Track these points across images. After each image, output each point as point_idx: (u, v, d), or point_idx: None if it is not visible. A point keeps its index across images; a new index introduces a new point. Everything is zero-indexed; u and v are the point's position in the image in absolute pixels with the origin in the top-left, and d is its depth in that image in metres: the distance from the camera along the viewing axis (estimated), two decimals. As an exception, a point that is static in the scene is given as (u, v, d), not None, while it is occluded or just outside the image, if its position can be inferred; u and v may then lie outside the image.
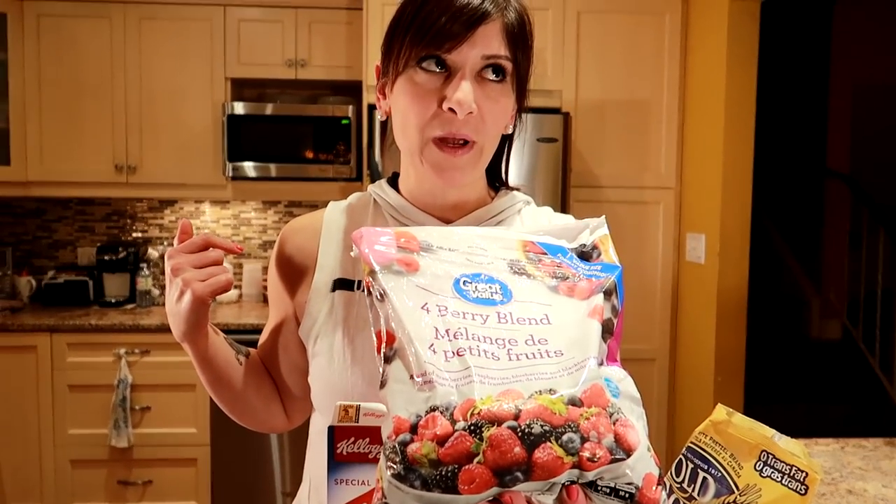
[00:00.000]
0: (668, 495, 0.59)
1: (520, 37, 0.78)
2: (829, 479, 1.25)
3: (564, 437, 0.49)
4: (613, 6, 2.89)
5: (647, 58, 2.92)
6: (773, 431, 0.58)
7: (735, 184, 2.71)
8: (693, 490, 0.56)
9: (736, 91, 2.68)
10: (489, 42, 0.74)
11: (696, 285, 2.89)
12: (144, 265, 3.20)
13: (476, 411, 0.49)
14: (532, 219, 0.88)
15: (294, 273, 0.88)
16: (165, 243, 3.41)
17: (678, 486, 0.58)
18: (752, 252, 2.77)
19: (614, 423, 0.51)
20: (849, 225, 4.44)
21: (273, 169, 3.04)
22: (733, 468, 0.54)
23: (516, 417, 0.49)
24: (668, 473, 0.61)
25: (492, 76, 0.76)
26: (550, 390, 0.51)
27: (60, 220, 3.39)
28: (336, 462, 0.62)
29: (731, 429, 0.55)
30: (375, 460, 0.60)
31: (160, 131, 3.07)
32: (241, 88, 3.27)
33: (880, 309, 4.00)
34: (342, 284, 0.84)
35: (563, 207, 2.75)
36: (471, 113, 0.74)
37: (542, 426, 0.49)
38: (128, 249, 3.25)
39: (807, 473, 0.51)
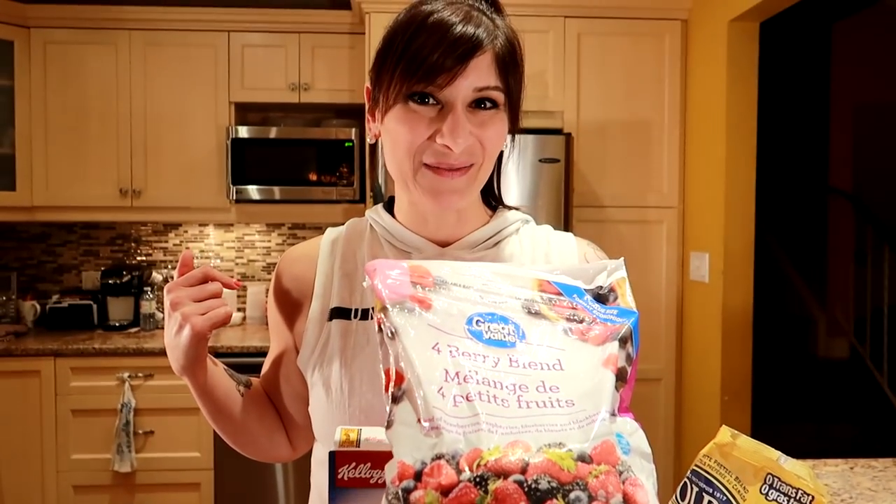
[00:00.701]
0: (674, 519, 0.58)
1: (511, 63, 0.77)
2: (838, 501, 1.24)
3: (572, 496, 0.48)
4: (613, 28, 2.91)
5: (648, 78, 2.94)
6: (779, 453, 0.57)
7: (738, 202, 2.71)
8: (698, 514, 0.56)
9: (737, 110, 2.69)
10: (481, 74, 0.74)
11: (700, 304, 2.88)
12: (148, 289, 3.20)
13: (483, 462, 0.48)
14: (530, 238, 0.87)
15: (292, 303, 0.88)
16: (170, 266, 3.41)
17: (683, 509, 0.58)
18: (756, 270, 2.76)
19: (623, 483, 0.50)
20: (853, 242, 4.43)
21: (277, 192, 3.05)
22: (738, 491, 0.53)
23: (523, 471, 0.48)
24: (673, 497, 0.60)
25: (484, 106, 0.75)
26: (560, 444, 0.50)
27: (65, 245, 3.41)
28: (337, 488, 0.61)
29: (736, 451, 0.55)
30: (378, 486, 0.59)
31: (164, 156, 3.09)
32: (245, 112, 3.29)
33: (887, 326, 3.98)
34: (339, 313, 0.83)
35: (566, 227, 2.76)
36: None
37: (549, 482, 0.48)
38: (132, 273, 3.25)
39: (813, 497, 0.50)
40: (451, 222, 0.83)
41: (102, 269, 3.34)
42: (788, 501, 0.51)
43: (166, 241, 3.43)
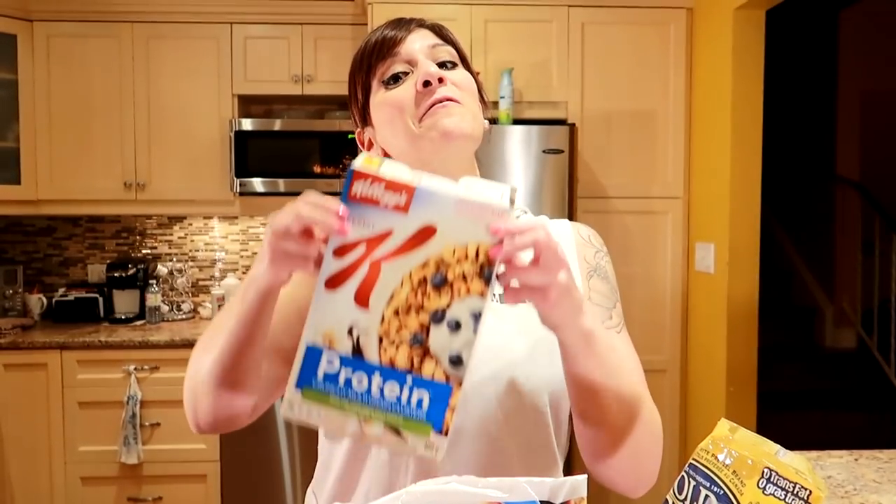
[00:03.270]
0: (671, 513, 0.58)
1: (447, 34, 0.89)
2: (842, 493, 1.23)
3: None
4: (617, 17, 2.89)
5: (653, 68, 2.92)
6: (777, 447, 0.57)
7: (743, 192, 2.69)
8: (695, 508, 0.55)
9: (742, 99, 2.67)
10: (426, 36, 0.86)
11: (706, 295, 2.87)
12: (154, 282, 3.21)
13: None
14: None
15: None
16: (174, 259, 3.42)
17: (681, 502, 0.57)
18: (762, 261, 2.75)
19: None
20: (861, 232, 4.40)
21: (282, 184, 3.05)
22: (736, 486, 0.53)
23: None
24: (671, 491, 0.60)
25: (446, 66, 0.85)
26: None
27: (71, 238, 3.42)
28: (348, 201, 0.63)
29: (733, 445, 0.54)
30: (385, 207, 0.63)
31: (169, 148, 3.09)
32: (249, 105, 3.29)
33: (895, 317, 3.96)
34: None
35: (571, 219, 2.73)
36: (441, 80, 0.82)
37: None
38: (137, 266, 3.26)
39: (811, 491, 0.50)
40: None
41: (108, 262, 3.35)
42: (786, 496, 0.51)
43: (171, 234, 3.44)
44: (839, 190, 4.56)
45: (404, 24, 0.87)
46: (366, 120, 0.90)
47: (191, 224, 3.44)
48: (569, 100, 2.89)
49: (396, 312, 0.63)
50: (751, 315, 2.73)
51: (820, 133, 4.70)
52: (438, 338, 0.63)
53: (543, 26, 2.86)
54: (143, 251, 3.43)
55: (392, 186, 0.63)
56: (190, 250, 3.44)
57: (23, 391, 2.81)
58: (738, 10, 2.62)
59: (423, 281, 0.63)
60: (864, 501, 1.20)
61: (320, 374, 0.63)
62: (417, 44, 0.85)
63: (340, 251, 0.63)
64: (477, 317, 0.63)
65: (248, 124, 3.02)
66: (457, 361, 0.63)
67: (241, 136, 3.01)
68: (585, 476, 0.60)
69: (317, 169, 3.05)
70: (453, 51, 0.87)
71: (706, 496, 0.54)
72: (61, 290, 3.26)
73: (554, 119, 2.88)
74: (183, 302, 3.36)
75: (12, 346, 2.80)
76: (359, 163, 0.65)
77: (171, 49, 3.08)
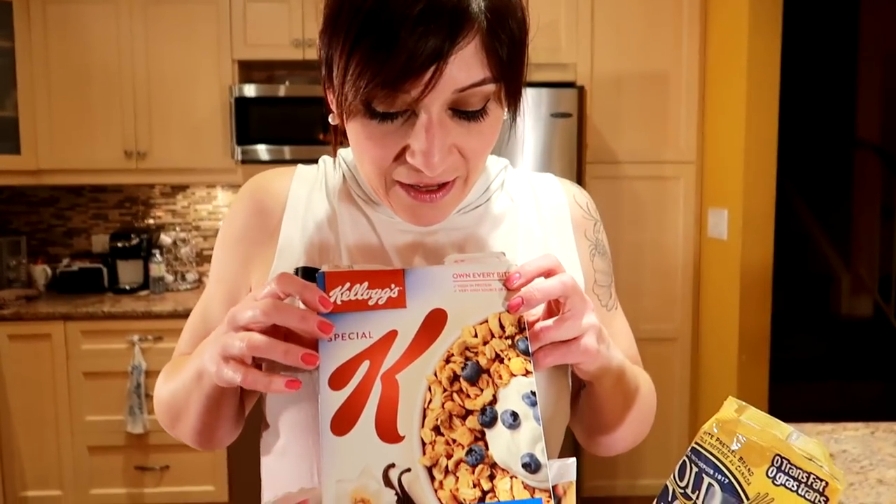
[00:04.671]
0: (671, 501, 0.53)
1: (506, 33, 0.57)
2: (857, 468, 1.18)
3: None
4: (629, -26, 2.78)
5: (665, 27, 2.81)
6: (790, 429, 0.51)
7: (759, 156, 2.60)
8: (697, 497, 0.50)
9: (759, 60, 2.56)
10: (463, 67, 0.55)
11: (718, 262, 2.80)
12: (157, 251, 3.18)
13: None
14: (517, 188, 0.77)
15: (259, 239, 0.73)
16: (178, 229, 3.38)
17: (682, 491, 0.52)
18: (777, 227, 2.67)
19: None
20: (880, 197, 4.29)
21: (287, 151, 2.98)
22: (742, 474, 0.47)
23: None
24: (672, 476, 0.54)
25: (470, 110, 0.58)
26: None
27: (74, 208, 3.38)
28: (327, 315, 0.53)
29: (741, 428, 0.49)
30: (377, 307, 0.53)
31: (169, 116, 3.03)
32: (250, 71, 3.21)
33: (913, 284, 3.87)
34: (306, 274, 0.66)
35: (579, 184, 2.67)
36: (437, 190, 0.61)
37: None
38: (140, 236, 3.23)
39: (826, 483, 0.44)
40: None
41: (112, 232, 3.32)
42: (799, 486, 0.45)
43: (174, 204, 3.40)
44: (859, 154, 4.43)
45: (447, 30, 0.53)
46: (331, 81, 0.61)
47: (194, 193, 3.40)
48: (578, 61, 2.80)
49: (437, 430, 0.50)
50: (764, 283, 2.66)
51: (840, 95, 4.56)
52: (499, 442, 0.51)
53: (551, -16, 2.75)
54: (147, 221, 3.40)
55: (376, 280, 0.53)
56: (194, 219, 3.40)
57: (28, 362, 2.81)
58: (756, -35, 2.50)
59: (454, 378, 0.52)
60: (882, 477, 1.15)
61: None
62: (442, 88, 0.55)
63: (338, 379, 0.51)
64: (532, 400, 0.52)
65: (249, 90, 2.95)
66: (533, 465, 0.50)
67: (241, 103, 2.94)
68: (574, 459, 0.55)
69: (321, 136, 2.98)
70: (493, 86, 0.58)
71: (709, 484, 0.49)
72: (65, 261, 3.24)
73: (562, 82, 2.79)
74: (187, 272, 3.33)
75: (16, 318, 2.79)
76: (327, 267, 0.55)
77: (170, 14, 3.00)
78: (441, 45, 0.53)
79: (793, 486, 0.45)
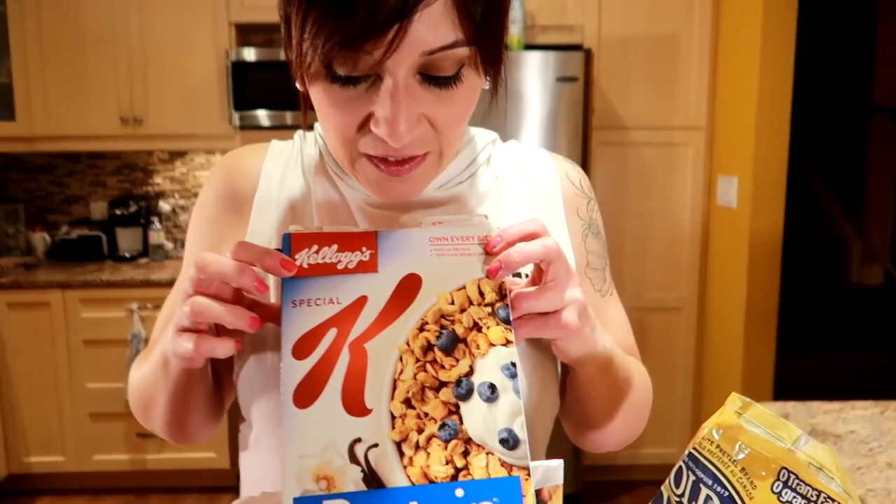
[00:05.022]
0: (666, 509, 0.48)
1: None
2: (865, 451, 1.14)
3: None
4: (639, -70, 2.66)
5: (677, -14, 2.70)
6: (798, 432, 0.46)
7: (771, 122, 2.52)
8: (694, 508, 0.45)
9: (773, 22, 2.46)
10: (430, 27, 0.49)
11: (727, 231, 2.73)
12: (156, 219, 3.14)
13: None
14: (505, 165, 0.72)
15: (230, 220, 0.69)
16: (177, 196, 3.34)
17: (677, 499, 0.47)
18: (788, 195, 2.60)
19: None
20: (895, 164, 4.19)
21: (289, 117, 2.91)
22: (744, 487, 0.43)
23: None
24: (667, 483, 0.50)
25: (440, 75, 0.52)
26: None
27: (72, 175, 3.34)
28: (292, 279, 0.49)
29: (744, 436, 0.44)
30: (347, 271, 0.49)
31: (164, 82, 2.96)
32: (248, 34, 3.12)
33: (926, 253, 3.79)
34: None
35: (585, 151, 2.60)
36: (404, 162, 0.56)
37: None
38: (139, 203, 3.18)
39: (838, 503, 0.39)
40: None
41: (110, 199, 3.28)
42: (807, 504, 0.40)
43: (173, 170, 3.34)
44: (874, 119, 4.32)
45: None
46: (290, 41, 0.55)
47: (192, 160, 3.34)
48: (585, 23, 2.70)
49: (408, 402, 0.47)
50: (774, 252, 2.60)
51: (856, 58, 4.42)
52: (475, 416, 0.47)
53: (558, -58, 2.64)
54: (146, 188, 3.35)
55: (346, 242, 0.49)
56: (192, 186, 3.35)
57: (27, 330, 2.79)
58: (773, -80, 2.38)
59: (428, 347, 0.48)
60: (891, 460, 1.11)
61: None
62: (407, 50, 0.49)
63: (302, 347, 0.47)
64: (512, 371, 0.48)
65: (247, 54, 2.87)
66: (512, 441, 0.46)
67: (239, 67, 2.87)
68: (561, 461, 0.50)
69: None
70: (466, 48, 0.52)
71: (707, 496, 0.44)
72: (64, 229, 3.21)
73: (568, 44, 2.70)
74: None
75: (15, 286, 2.77)
76: (295, 228, 0.50)
77: (164, -26, 2.91)
78: (405, 0, 0.47)
79: (800, 503, 0.40)
